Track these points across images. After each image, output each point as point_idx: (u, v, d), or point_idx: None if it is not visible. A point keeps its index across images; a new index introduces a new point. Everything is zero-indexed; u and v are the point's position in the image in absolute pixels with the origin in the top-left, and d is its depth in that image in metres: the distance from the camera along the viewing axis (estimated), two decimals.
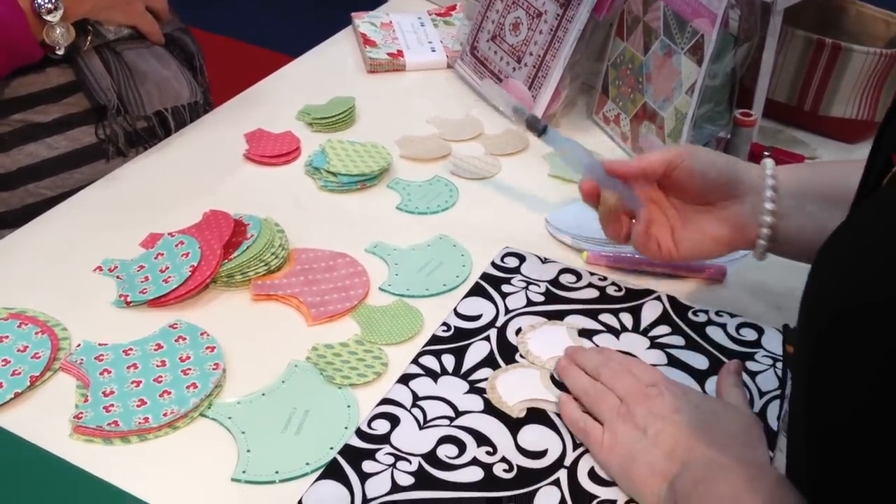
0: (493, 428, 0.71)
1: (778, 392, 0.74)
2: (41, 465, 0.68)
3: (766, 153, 1.07)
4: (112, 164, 1.07)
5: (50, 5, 0.96)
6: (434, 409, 0.72)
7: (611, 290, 0.86)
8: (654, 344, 0.80)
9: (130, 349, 0.77)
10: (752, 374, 0.76)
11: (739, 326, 0.82)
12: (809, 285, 0.50)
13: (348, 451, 0.68)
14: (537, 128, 0.90)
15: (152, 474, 0.67)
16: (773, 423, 0.71)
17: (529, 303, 0.84)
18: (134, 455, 0.69)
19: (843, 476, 0.46)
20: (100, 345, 0.78)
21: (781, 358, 0.77)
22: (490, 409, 0.72)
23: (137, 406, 0.72)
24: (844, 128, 1.13)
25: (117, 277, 0.86)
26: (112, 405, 0.72)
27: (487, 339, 0.80)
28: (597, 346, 0.80)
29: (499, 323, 0.82)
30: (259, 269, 0.86)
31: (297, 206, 0.99)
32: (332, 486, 0.65)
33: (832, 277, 0.47)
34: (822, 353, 0.46)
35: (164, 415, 0.71)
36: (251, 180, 1.03)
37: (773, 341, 0.80)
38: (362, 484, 0.65)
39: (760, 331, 0.81)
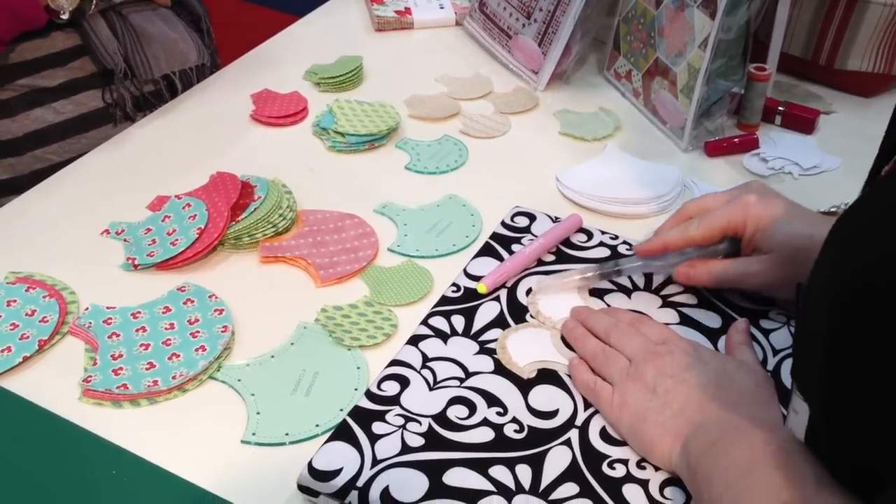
0: (503, 389, 0.70)
1: (792, 350, 0.73)
2: (50, 428, 0.68)
3: (780, 108, 1.06)
4: (119, 129, 1.06)
5: None
6: (444, 370, 0.72)
7: (622, 249, 0.85)
8: (667, 303, 0.79)
9: (138, 312, 0.77)
10: (766, 332, 0.75)
11: None
12: (824, 261, 0.49)
13: (358, 413, 0.67)
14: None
15: (162, 437, 0.67)
16: (787, 381, 0.70)
17: (540, 262, 0.83)
18: (143, 418, 0.69)
19: (866, 449, 0.46)
20: (108, 308, 0.77)
21: (795, 316, 0.76)
22: (500, 369, 0.72)
23: (146, 369, 0.71)
24: (861, 81, 1.11)
25: (124, 241, 0.86)
26: (121, 368, 0.71)
27: (497, 299, 0.79)
28: (608, 305, 0.79)
29: (509, 283, 0.81)
30: (267, 231, 0.86)
31: (304, 167, 0.98)
32: (342, 448, 0.64)
33: (853, 252, 0.46)
34: (843, 329, 0.45)
35: (174, 377, 0.71)
36: (258, 141, 1.02)
37: (787, 299, 0.79)
38: (372, 445, 0.65)
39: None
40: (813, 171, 1.00)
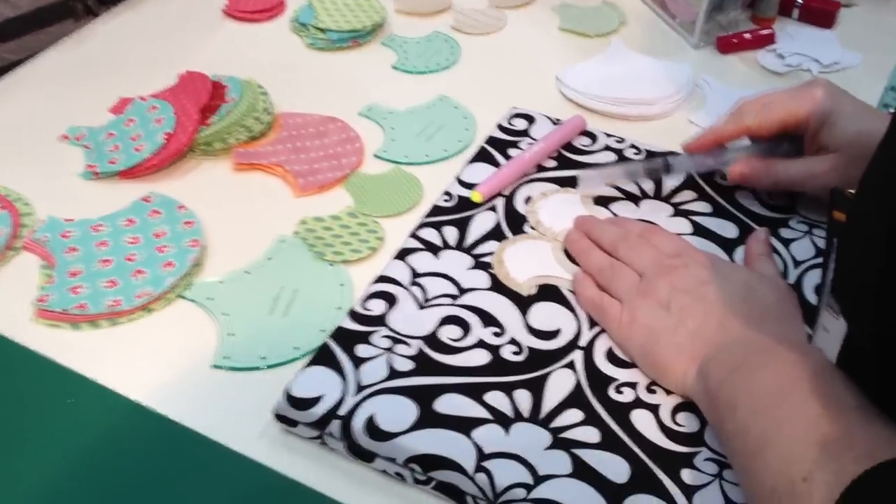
0: (500, 306, 0.64)
1: (815, 261, 0.67)
2: (1, 351, 0.62)
3: (798, 0, 0.99)
4: (81, 25, 0.98)
5: None
6: (435, 286, 0.66)
7: (629, 153, 0.78)
8: (678, 211, 0.73)
9: (100, 225, 0.71)
10: (787, 242, 0.69)
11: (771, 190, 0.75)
12: (886, 160, 0.42)
13: (341, 334, 0.61)
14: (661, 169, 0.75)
15: (125, 362, 0.61)
16: (810, 295, 0.65)
17: (540, 168, 0.77)
18: (104, 341, 0.63)
19: None
20: (66, 221, 0.71)
21: (825, 225, 0.70)
22: (497, 285, 0.66)
23: (108, 287, 0.65)
24: None
25: (85, 147, 0.79)
26: (79, 286, 0.65)
27: (493, 208, 0.73)
28: (614, 215, 0.72)
29: (506, 190, 0.74)
30: (241, 136, 0.79)
31: (282, 67, 0.91)
32: (323, 373, 0.59)
33: None
34: None
35: (138, 296, 0.65)
36: (231, 38, 0.96)
37: (810, 205, 0.73)
38: (356, 370, 0.59)
39: (794, 195, 0.74)
40: (833, 69, 0.93)
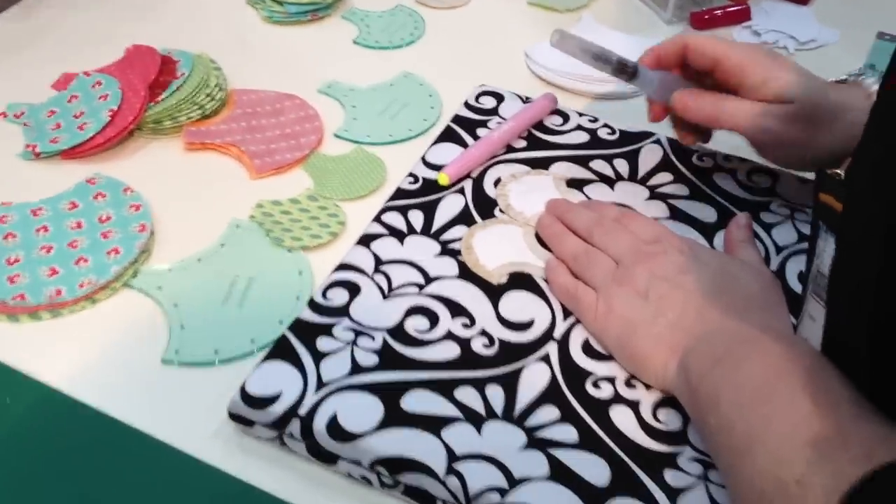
0: (469, 296, 0.61)
1: (798, 247, 0.65)
2: None
3: None
4: None
5: None
6: (400, 274, 0.62)
7: (603, 133, 0.75)
8: (655, 194, 0.70)
9: (40, 209, 0.66)
10: (768, 227, 0.67)
11: (751, 172, 0.72)
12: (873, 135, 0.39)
13: (300, 327, 0.58)
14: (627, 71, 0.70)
15: (66, 356, 0.57)
16: (794, 283, 0.62)
17: (510, 149, 0.73)
18: (45, 334, 0.59)
19: None
20: (3, 204, 0.67)
21: (806, 208, 0.67)
22: (466, 273, 0.62)
23: (49, 276, 0.61)
24: None
25: (24, 125, 0.75)
26: (17, 275, 0.61)
27: (461, 191, 0.69)
28: (588, 198, 0.69)
29: (474, 172, 0.71)
30: (192, 114, 0.75)
31: (236, 41, 0.87)
32: (281, 368, 0.55)
33: None
34: None
35: (81, 286, 0.61)
36: (182, 11, 0.92)
37: (791, 188, 0.70)
38: (317, 364, 0.55)
39: (775, 176, 0.71)
40: (810, 46, 0.91)
